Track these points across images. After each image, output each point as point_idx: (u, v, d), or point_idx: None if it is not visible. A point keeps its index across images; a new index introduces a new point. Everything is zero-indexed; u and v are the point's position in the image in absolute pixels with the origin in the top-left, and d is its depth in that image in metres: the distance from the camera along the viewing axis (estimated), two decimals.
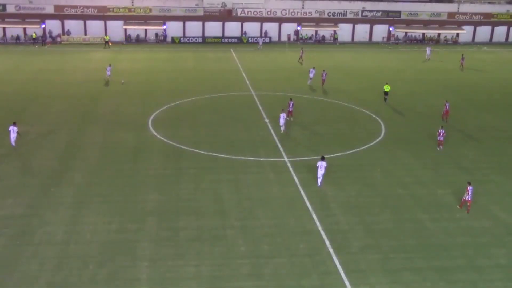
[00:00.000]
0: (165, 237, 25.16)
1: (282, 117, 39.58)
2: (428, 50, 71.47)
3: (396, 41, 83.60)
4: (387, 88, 49.47)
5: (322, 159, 31.26)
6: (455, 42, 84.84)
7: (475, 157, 36.45)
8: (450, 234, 26.34)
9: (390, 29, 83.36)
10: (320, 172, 30.93)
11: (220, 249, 24.31)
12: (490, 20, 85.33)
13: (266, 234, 25.71)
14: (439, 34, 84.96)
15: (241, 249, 24.37)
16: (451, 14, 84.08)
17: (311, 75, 54.79)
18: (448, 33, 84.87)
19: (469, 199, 28.33)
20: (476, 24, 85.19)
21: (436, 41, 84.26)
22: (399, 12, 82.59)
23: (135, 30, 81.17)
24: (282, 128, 39.71)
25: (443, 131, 37.33)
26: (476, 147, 38.32)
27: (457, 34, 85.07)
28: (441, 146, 37.46)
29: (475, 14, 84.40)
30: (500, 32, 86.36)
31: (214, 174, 32.31)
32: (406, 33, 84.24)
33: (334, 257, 23.92)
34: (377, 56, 71.51)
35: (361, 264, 23.51)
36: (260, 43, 78.52)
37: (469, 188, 28.23)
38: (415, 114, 45.98)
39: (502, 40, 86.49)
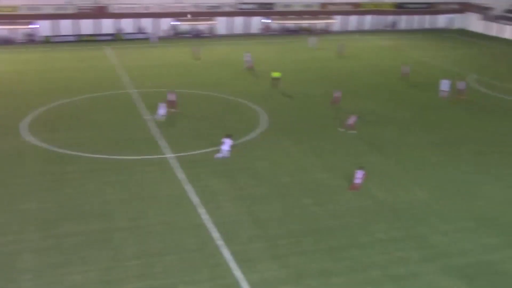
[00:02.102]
0: (48, 246, 24.12)
1: (162, 107, 40.77)
2: (312, 40, 73.98)
3: (272, 33, 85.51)
4: (276, 74, 51.53)
5: (228, 136, 33.48)
6: (328, 31, 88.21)
7: (356, 141, 38.24)
8: (334, 216, 27.55)
9: (266, 20, 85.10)
10: (224, 147, 33.29)
11: (108, 252, 23.73)
12: (357, 9, 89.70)
13: (154, 233, 25.45)
14: (312, 24, 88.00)
15: (130, 250, 23.95)
16: (322, 5, 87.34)
17: (248, 59, 59.82)
18: (321, 22, 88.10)
19: (359, 182, 29.83)
20: (346, 13, 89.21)
21: (310, 31, 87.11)
22: (274, 3, 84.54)
23: (0, 30, 76.42)
24: (160, 117, 40.91)
25: (354, 117, 39.49)
26: (357, 131, 40.19)
27: (329, 24, 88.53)
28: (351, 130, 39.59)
29: (344, 4, 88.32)
30: (367, 20, 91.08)
31: (98, 176, 31.38)
32: (281, 24, 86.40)
33: (224, 249, 24.20)
34: (256, 48, 72.64)
35: (251, 253, 23.97)
36: (153, 38, 76.74)
37: (359, 171, 29.76)
38: (298, 103, 47.31)
39: (369, 28, 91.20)
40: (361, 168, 30.42)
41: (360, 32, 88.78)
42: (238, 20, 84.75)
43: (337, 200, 29.35)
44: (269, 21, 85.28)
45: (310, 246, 24.74)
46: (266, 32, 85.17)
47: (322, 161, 34.49)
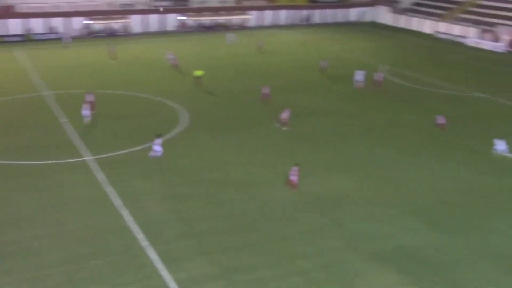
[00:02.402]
0: None
1: (85, 109, 39.72)
2: (230, 36, 73.66)
3: (189, 29, 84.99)
4: (198, 73, 51.06)
5: (158, 136, 33.75)
6: (243, 27, 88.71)
7: (280, 134, 38.70)
8: (260, 210, 27.81)
9: (182, 17, 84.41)
10: (156, 147, 33.69)
11: (31, 261, 22.84)
12: (273, 4, 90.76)
13: (77, 238, 24.75)
14: (228, 20, 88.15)
15: (54, 257, 23.16)
16: (238, 1, 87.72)
17: (171, 56, 59.60)
18: (236, 18, 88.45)
19: (294, 178, 29.84)
20: (261, 9, 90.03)
21: (226, 27, 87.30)
22: (189, 0, 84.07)
23: None
24: (86, 119, 39.85)
25: (288, 112, 39.78)
26: (269, 125, 40.68)
27: (245, 19, 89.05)
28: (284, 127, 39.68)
29: None
30: (282, 15, 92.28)
31: (12, 184, 30.10)
32: (197, 21, 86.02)
33: (150, 250, 23.90)
34: (172, 45, 71.96)
35: (177, 252, 23.81)
36: (66, 38, 73.84)
37: (294, 168, 29.80)
38: (221, 100, 47.27)
39: (284, 23, 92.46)
40: (296, 164, 30.49)
41: (276, 27, 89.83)
42: (153, 18, 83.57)
43: (262, 194, 29.62)
44: (185, 18, 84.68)
45: (236, 241, 24.87)
46: (182, 30, 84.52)
47: (246, 157, 34.71)
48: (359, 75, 51.34)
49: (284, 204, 28.52)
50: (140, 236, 25.00)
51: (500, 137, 38.10)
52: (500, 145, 35.78)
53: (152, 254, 23.56)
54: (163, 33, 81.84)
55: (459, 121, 42.19)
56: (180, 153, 34.87)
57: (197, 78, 51.41)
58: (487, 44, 74.52)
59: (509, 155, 35.45)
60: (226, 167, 33.01)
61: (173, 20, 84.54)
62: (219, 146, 36.25)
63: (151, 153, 34.03)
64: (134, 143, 35.90)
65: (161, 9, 67.94)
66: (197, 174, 32.01)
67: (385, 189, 30.55)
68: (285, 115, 39.83)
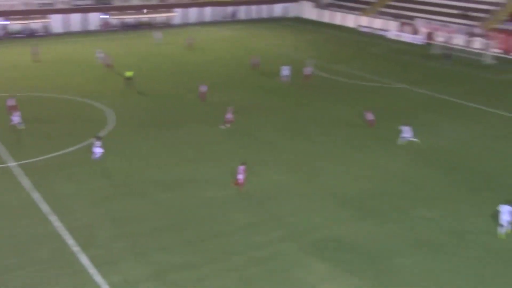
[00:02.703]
0: None
1: (15, 115, 37.88)
2: (157, 34, 72.12)
3: (112, 29, 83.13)
4: (129, 74, 49.51)
5: (97, 139, 32.56)
6: (168, 25, 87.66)
7: (209, 131, 38.47)
8: (194, 208, 27.58)
9: (105, 16, 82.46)
10: (96, 149, 32.46)
11: None
12: (198, 1, 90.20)
13: (4, 247, 23.68)
14: (153, 18, 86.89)
15: None
16: None
17: (101, 55, 58.51)
18: (161, 16, 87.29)
19: (241, 177, 29.19)
20: (185, 6, 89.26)
21: (150, 25, 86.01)
22: None
23: None
24: (20, 126, 37.93)
25: (231, 111, 39.46)
26: (205, 123, 40.44)
27: (170, 17, 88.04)
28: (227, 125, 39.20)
29: None
30: (207, 12, 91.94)
31: None
32: (121, 19, 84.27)
33: (82, 255, 23.20)
34: (98, 45, 70.11)
35: (111, 255, 23.26)
36: None
37: (241, 167, 29.16)
38: (149, 99, 46.38)
39: (210, 20, 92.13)
40: (243, 163, 29.71)
41: (201, 24, 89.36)
42: (75, 17, 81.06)
43: (195, 192, 29.40)
44: (108, 16, 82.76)
45: (171, 241, 24.56)
46: (106, 29, 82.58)
47: (175, 156, 34.31)
48: (285, 70, 51.98)
49: (219, 201, 28.41)
50: (71, 241, 24.22)
51: (421, 125, 39.58)
52: (406, 133, 36.63)
53: (85, 260, 22.88)
54: (86, 33, 79.51)
55: (383, 113, 43.39)
56: (109, 155, 34.03)
57: (128, 79, 49.95)
58: (407, 37, 77.07)
59: (413, 139, 36.56)
60: (158, 166, 32.53)
61: (95, 19, 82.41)
62: (151, 146, 35.63)
63: (93, 156, 32.90)
64: (61, 147, 34.77)
65: (145, 11, 66.09)
66: (127, 174, 31.37)
67: (316, 182, 31.02)
68: (229, 114, 39.34)
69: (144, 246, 24.06)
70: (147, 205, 27.82)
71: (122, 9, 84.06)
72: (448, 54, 63.02)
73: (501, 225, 25.46)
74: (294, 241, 24.85)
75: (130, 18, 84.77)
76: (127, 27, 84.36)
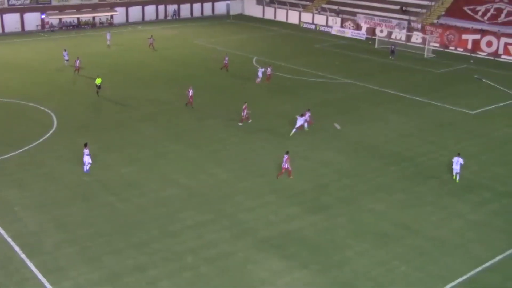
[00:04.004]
0: None
1: None
2: (108, 35, 69.85)
3: (52, 28, 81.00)
4: (98, 81, 46.19)
5: (85, 145, 30.92)
6: (110, 24, 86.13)
7: (155, 131, 38.00)
8: (141, 209, 27.23)
9: (42, 16, 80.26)
10: (86, 159, 30.77)
11: None
12: (139, 0, 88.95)
13: None
14: (94, 17, 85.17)
15: None
16: None
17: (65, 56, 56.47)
18: (102, 15, 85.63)
19: (287, 166, 30.52)
20: (127, 5, 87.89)
21: (92, 25, 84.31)
22: None
23: None
24: None
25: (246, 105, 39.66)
26: (153, 123, 39.94)
27: (111, 16, 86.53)
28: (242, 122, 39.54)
29: None
30: (149, 10, 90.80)
31: None
32: (60, 19, 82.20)
33: (28, 262, 22.54)
34: (37, 46, 68.15)
35: (59, 261, 22.70)
36: None
37: (285, 156, 30.47)
38: (91, 100, 45.45)
39: (153, 19, 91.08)
40: (287, 153, 30.91)
41: (144, 23, 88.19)
42: (10, 17, 78.35)
43: (142, 193, 29.04)
44: (47, 17, 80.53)
45: (121, 243, 24.17)
46: (45, 29, 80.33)
47: (122, 156, 33.76)
48: (260, 72, 51.37)
49: (167, 201, 28.16)
50: (17, 249, 23.47)
51: (366, 118, 40.37)
52: (298, 122, 37.37)
53: (33, 267, 22.23)
54: (21, 34, 76.90)
55: (329, 107, 44.00)
56: (54, 158, 33.20)
57: (98, 86, 46.12)
58: (349, 32, 78.31)
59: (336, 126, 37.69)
60: (102, 168, 31.91)
61: (34, 19, 79.99)
62: (97, 148, 34.85)
63: (85, 167, 31.40)
64: (2, 151, 33.63)
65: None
66: (74, 178, 30.66)
67: (263, 178, 31.14)
68: (245, 111, 39.57)
69: (93, 250, 23.59)
70: (95, 208, 27.27)
71: (62, 9, 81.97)
72: (392, 49, 64.44)
73: (456, 172, 30.98)
74: (245, 238, 24.90)
75: (70, 17, 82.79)
76: (67, 27, 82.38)
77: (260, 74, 51.31)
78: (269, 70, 51.83)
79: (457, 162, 30.87)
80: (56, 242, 24.14)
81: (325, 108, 43.38)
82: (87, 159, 30.94)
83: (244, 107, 39.87)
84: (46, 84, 50.05)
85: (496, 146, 36.85)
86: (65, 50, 57.54)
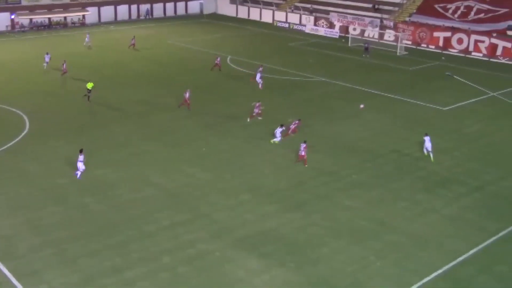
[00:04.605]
0: None
1: None
2: (87, 36, 68.53)
3: (22, 29, 79.82)
4: (90, 85, 44.64)
5: (80, 151, 30.31)
6: (82, 24, 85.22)
7: (130, 132, 37.68)
8: (117, 210, 27.02)
9: (12, 16, 79.03)
10: (79, 165, 30.19)
11: None
12: (111, 0, 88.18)
13: None
14: (65, 17, 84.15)
15: None
16: None
17: (46, 59, 54.65)
18: (74, 15, 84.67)
19: (304, 154, 32.24)
20: (99, 4, 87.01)
21: (64, 25, 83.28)
22: None
23: None
24: None
25: (260, 104, 40.27)
26: (128, 124, 39.62)
27: (83, 16, 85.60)
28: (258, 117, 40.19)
29: None
30: (122, 10, 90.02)
31: None
32: (31, 19, 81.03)
33: (1, 266, 22.18)
34: (7, 47, 67.04)
35: (34, 265, 22.41)
36: None
37: (302, 145, 32.28)
38: (64, 102, 44.88)
39: (125, 18, 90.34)
40: (304, 141, 32.60)
41: (116, 23, 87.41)
42: None
43: (117, 194, 28.81)
44: (17, 16, 79.27)
45: (98, 245, 23.94)
46: (17, 29, 79.10)
47: (97, 157, 33.38)
48: (258, 75, 50.74)
49: (143, 202, 27.99)
50: None
51: (340, 116, 40.65)
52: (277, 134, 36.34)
53: (7, 271, 21.88)
54: None
55: (303, 106, 44.18)
56: (27, 160, 32.73)
57: (89, 91, 44.51)
58: (322, 31, 78.72)
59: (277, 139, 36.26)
60: (72, 170, 31.40)
61: (3, 19, 78.66)
62: (66, 149, 34.40)
63: (77, 172, 30.68)
64: None
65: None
66: (47, 180, 30.26)
67: (236, 177, 31.16)
68: (257, 108, 40.04)
69: (69, 253, 23.32)
70: (69, 210, 26.97)
71: (32, 9, 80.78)
72: (366, 47, 64.95)
73: (428, 150, 33.87)
74: (222, 237, 24.88)
75: (41, 17, 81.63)
76: (36, 27, 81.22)
77: (259, 74, 50.33)
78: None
79: (429, 141, 33.68)
80: (30, 245, 23.81)
81: (299, 107, 43.54)
82: (80, 166, 30.28)
83: (258, 104, 40.10)
84: (18, 85, 49.26)
85: (468, 141, 37.43)
86: (47, 54, 55.57)
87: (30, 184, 29.77)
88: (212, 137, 37.18)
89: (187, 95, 42.27)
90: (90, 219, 26.19)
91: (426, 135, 34.04)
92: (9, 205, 27.37)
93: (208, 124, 39.50)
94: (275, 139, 35.87)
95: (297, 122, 37.26)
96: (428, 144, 33.76)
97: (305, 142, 32.72)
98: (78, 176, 30.46)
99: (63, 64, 52.20)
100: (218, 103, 44.66)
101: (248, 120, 39.87)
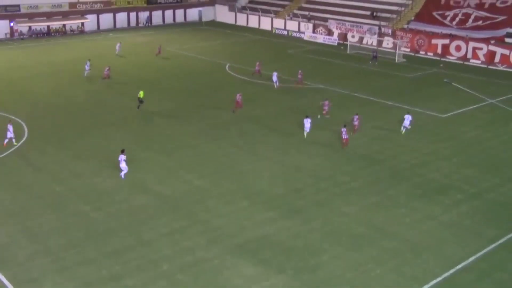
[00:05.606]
0: None
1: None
2: (118, 46, 68.39)
3: (21, 36, 79.93)
4: (141, 94, 44.30)
5: (122, 152, 30.94)
6: (81, 31, 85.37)
7: (124, 138, 37.66)
8: (115, 218, 26.96)
9: (11, 24, 79.16)
10: (122, 165, 30.83)
11: None
12: (110, 7, 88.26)
13: None
14: (64, 25, 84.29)
15: None
16: (72, 5, 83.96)
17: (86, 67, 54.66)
18: (73, 23, 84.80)
19: (347, 137, 35.98)
20: (98, 12, 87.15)
21: (63, 32, 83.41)
22: (18, 6, 78.81)
23: None
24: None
25: (328, 102, 42.87)
26: (124, 130, 39.62)
27: (82, 24, 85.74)
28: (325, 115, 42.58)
29: (96, 2, 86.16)
30: (121, 18, 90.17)
31: None
32: (30, 27, 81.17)
33: (0, 275, 22.10)
34: (6, 54, 67.08)
35: (32, 273, 22.36)
36: None
37: (343, 129, 35.97)
38: (62, 109, 44.83)
39: (124, 26, 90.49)
40: (345, 126, 36.40)
41: (116, 30, 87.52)
42: None
43: (115, 202, 28.76)
44: (16, 24, 79.40)
45: (95, 253, 23.90)
46: (16, 37, 79.16)
47: (94, 164, 33.38)
48: (274, 76, 51.41)
49: (140, 209, 27.94)
50: None
51: (337, 123, 40.65)
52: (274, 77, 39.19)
53: (5, 279, 21.83)
54: None
55: (300, 112, 44.17)
56: (25, 167, 32.69)
57: (140, 100, 44.13)
58: (321, 38, 78.88)
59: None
60: (74, 177, 31.48)
61: (2, 27, 78.77)
62: (63, 156, 34.40)
63: (121, 174, 31.28)
64: None
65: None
66: (43, 187, 30.20)
67: (234, 183, 31.14)
68: (326, 106, 42.63)
69: (67, 260, 23.27)
70: (67, 218, 26.91)
71: (31, 16, 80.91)
72: (375, 55, 65.01)
73: (404, 127, 38.90)
74: (221, 244, 24.84)
75: (40, 25, 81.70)
76: (36, 35, 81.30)
77: (274, 78, 51.55)
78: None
79: (408, 118, 38.42)
80: (28, 253, 23.76)
81: (295, 113, 43.51)
82: (123, 166, 30.93)
83: (326, 103, 42.84)
84: (17, 93, 49.29)
85: (466, 148, 37.45)
86: (89, 60, 55.76)
87: (28, 190, 29.73)
88: (207, 143, 37.16)
89: (238, 98, 43.36)
90: (88, 226, 26.14)
91: (408, 113, 39.14)
92: (7, 212, 27.32)
93: (205, 130, 39.50)
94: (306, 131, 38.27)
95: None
96: (406, 122, 38.14)
97: (345, 126, 36.45)
98: (123, 177, 30.88)
99: (106, 69, 53.45)
100: (215, 109, 44.66)
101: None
